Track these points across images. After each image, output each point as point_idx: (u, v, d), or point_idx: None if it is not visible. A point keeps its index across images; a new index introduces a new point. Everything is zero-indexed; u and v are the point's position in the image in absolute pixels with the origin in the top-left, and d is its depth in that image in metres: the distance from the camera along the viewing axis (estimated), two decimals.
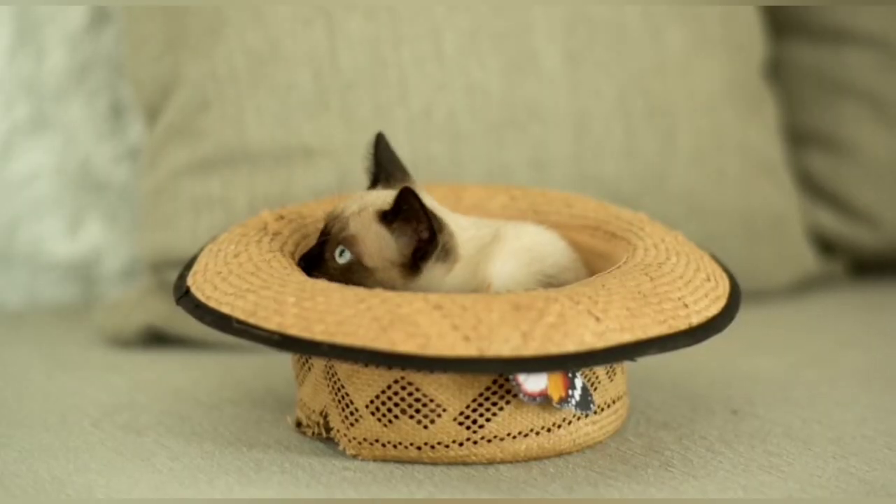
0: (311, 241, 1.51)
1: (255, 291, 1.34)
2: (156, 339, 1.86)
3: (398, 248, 1.39)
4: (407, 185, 1.39)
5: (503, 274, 1.40)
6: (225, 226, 1.77)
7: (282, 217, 1.50)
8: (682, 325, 1.33)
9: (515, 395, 1.33)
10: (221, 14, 1.83)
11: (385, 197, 1.41)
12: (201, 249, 1.47)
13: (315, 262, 1.41)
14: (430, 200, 1.43)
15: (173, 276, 1.63)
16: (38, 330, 1.94)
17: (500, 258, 1.41)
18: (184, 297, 1.40)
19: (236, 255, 1.42)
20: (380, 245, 1.39)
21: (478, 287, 1.40)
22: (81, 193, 2.05)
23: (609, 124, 1.92)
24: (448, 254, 1.40)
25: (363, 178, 1.83)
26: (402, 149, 1.83)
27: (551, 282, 1.41)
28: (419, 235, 1.39)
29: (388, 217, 1.39)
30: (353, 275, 1.39)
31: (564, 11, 1.90)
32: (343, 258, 1.39)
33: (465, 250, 1.41)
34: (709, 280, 1.40)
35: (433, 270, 1.40)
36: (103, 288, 2.09)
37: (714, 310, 1.37)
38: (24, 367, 1.76)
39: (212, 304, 1.36)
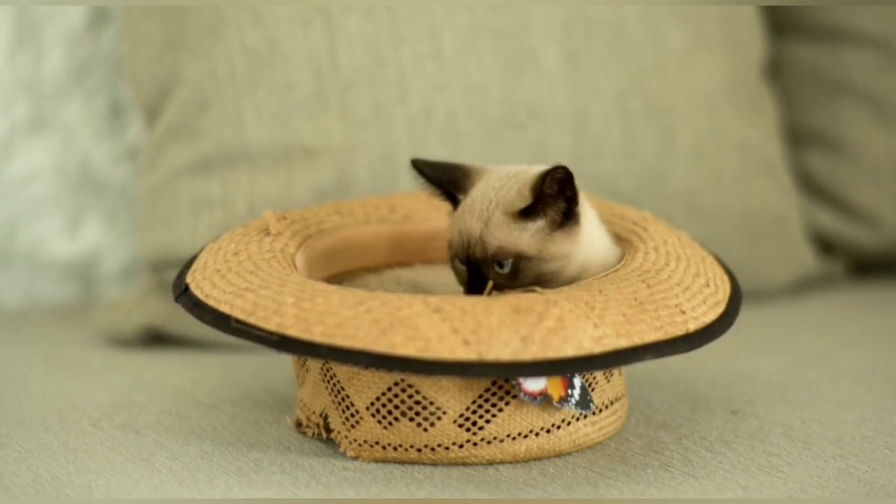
0: (312, 240, 1.51)
1: (255, 291, 1.34)
2: (155, 338, 1.86)
3: (546, 223, 1.38)
4: (548, 171, 1.36)
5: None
6: (224, 226, 1.78)
7: (284, 218, 1.50)
8: (678, 331, 1.33)
9: (515, 396, 1.33)
10: (220, 14, 1.83)
11: (492, 200, 1.39)
12: (202, 248, 1.47)
13: (480, 287, 1.39)
14: (514, 169, 1.43)
15: (173, 275, 1.63)
16: (38, 330, 1.94)
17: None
18: (182, 294, 1.40)
19: (236, 254, 1.41)
20: (530, 235, 1.38)
21: None
22: (81, 193, 2.05)
23: (608, 124, 1.91)
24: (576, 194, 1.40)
25: (362, 178, 1.84)
26: (402, 148, 1.84)
27: None
28: (562, 192, 1.38)
29: (527, 211, 1.38)
30: (524, 271, 1.38)
31: (563, 11, 1.90)
32: (507, 267, 1.38)
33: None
34: (708, 285, 1.40)
35: (584, 207, 1.41)
36: (103, 288, 2.09)
37: (712, 316, 1.37)
38: (23, 367, 1.75)
39: (210, 302, 1.35)
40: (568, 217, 1.39)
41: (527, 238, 1.38)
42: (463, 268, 1.41)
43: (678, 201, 1.95)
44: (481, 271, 1.39)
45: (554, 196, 1.38)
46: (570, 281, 1.40)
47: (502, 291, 1.39)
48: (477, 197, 1.41)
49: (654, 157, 1.93)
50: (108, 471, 1.34)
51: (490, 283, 1.39)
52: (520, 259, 1.38)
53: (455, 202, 1.44)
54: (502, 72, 1.88)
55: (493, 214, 1.39)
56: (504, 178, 1.42)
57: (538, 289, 1.35)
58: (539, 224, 1.38)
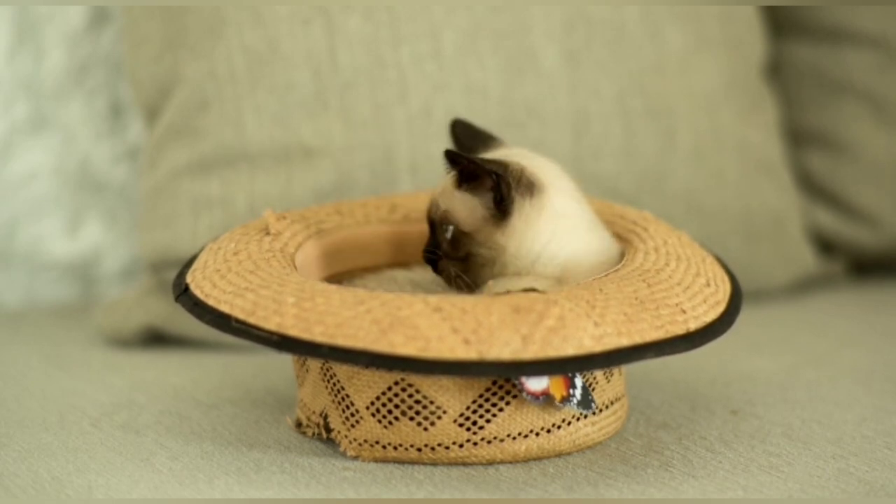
0: (312, 240, 1.51)
1: (255, 290, 1.34)
2: (155, 338, 1.86)
3: (482, 203, 1.41)
4: (446, 150, 1.40)
5: None
6: (224, 225, 1.78)
7: (284, 218, 1.50)
8: (679, 330, 1.33)
9: (516, 396, 1.33)
10: (220, 14, 1.83)
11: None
12: (202, 248, 1.47)
13: (433, 249, 1.44)
14: (505, 151, 1.46)
15: (173, 275, 1.63)
16: (38, 330, 1.94)
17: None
18: (182, 294, 1.40)
19: (235, 253, 1.41)
20: (466, 208, 1.42)
21: None
22: (81, 193, 2.05)
23: (608, 124, 1.91)
24: (532, 186, 1.42)
25: (362, 178, 1.84)
26: (402, 148, 1.84)
27: None
28: (490, 185, 1.41)
29: (459, 182, 1.42)
30: (462, 247, 1.42)
31: (563, 11, 1.90)
32: (448, 233, 1.42)
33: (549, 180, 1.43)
34: (708, 285, 1.40)
35: (525, 210, 1.41)
36: (103, 288, 2.09)
37: (712, 315, 1.37)
38: (23, 367, 1.75)
39: (210, 302, 1.36)
40: (498, 208, 1.41)
41: (464, 211, 1.42)
42: None
43: (678, 201, 1.95)
44: (434, 230, 1.44)
45: (470, 177, 1.40)
46: (494, 274, 1.42)
47: (444, 259, 1.43)
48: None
49: (654, 157, 1.94)
50: (108, 471, 1.34)
51: (440, 251, 1.43)
52: (457, 229, 1.42)
53: None
54: (502, 72, 1.88)
55: (448, 180, 1.43)
56: (504, 153, 1.45)
57: (538, 288, 1.35)
58: (474, 202, 1.41)
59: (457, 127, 1.50)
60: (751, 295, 1.78)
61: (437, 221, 1.44)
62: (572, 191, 1.45)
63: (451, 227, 1.42)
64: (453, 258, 1.43)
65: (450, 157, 1.40)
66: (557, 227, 1.43)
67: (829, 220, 2.12)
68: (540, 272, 1.42)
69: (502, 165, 1.41)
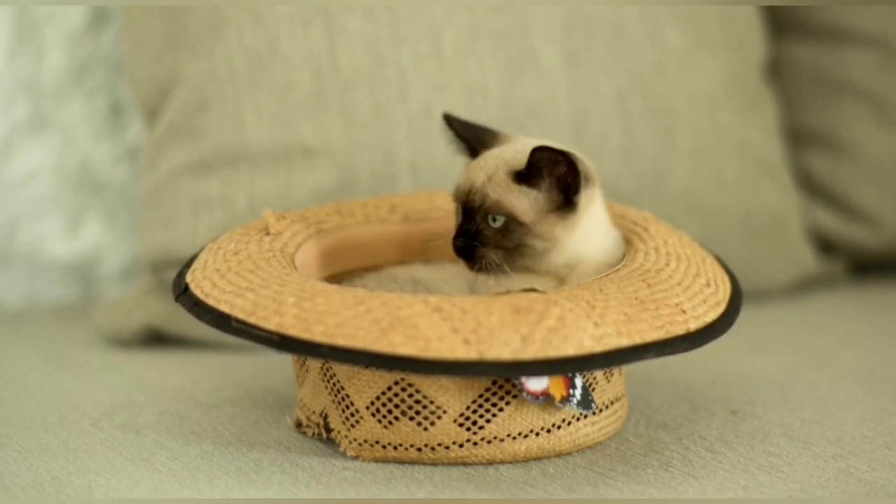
0: (312, 240, 1.51)
1: (255, 290, 1.34)
2: (155, 338, 1.86)
3: (547, 197, 1.41)
4: (535, 148, 1.40)
5: None
6: (224, 225, 1.78)
7: (284, 218, 1.50)
8: (679, 330, 1.33)
9: (516, 396, 1.33)
10: (220, 14, 1.83)
11: (501, 159, 1.43)
12: (202, 248, 1.47)
13: (470, 233, 1.42)
14: (524, 141, 1.47)
15: (173, 275, 1.63)
16: (38, 330, 1.94)
17: None
18: (182, 294, 1.40)
19: (235, 253, 1.41)
20: (527, 199, 1.41)
21: None
22: (81, 193, 2.05)
23: (608, 124, 1.91)
24: (588, 177, 1.43)
25: (362, 178, 1.84)
26: (402, 148, 1.84)
27: None
28: (559, 174, 1.40)
29: (523, 176, 1.41)
30: (512, 234, 1.41)
31: (563, 11, 1.90)
32: (497, 222, 1.42)
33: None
34: (708, 285, 1.40)
35: (582, 202, 1.42)
36: (103, 288, 2.09)
37: (713, 315, 1.37)
38: (23, 367, 1.75)
39: (210, 301, 1.35)
40: (567, 203, 1.41)
41: (523, 203, 1.41)
42: (459, 212, 1.44)
43: (678, 201, 1.95)
44: (474, 218, 1.42)
45: (543, 173, 1.40)
46: (555, 269, 1.42)
47: (485, 247, 1.41)
48: (492, 154, 1.45)
49: (654, 157, 1.93)
50: (108, 471, 1.34)
51: (479, 237, 1.42)
52: (511, 220, 1.41)
53: (474, 156, 1.48)
54: (502, 72, 1.88)
55: (497, 171, 1.42)
56: (523, 143, 1.45)
57: (539, 288, 1.35)
58: (535, 195, 1.41)
59: (449, 120, 1.49)
60: (751, 295, 1.78)
61: (478, 209, 1.43)
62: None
63: (502, 218, 1.42)
64: (500, 247, 1.42)
65: (540, 152, 1.38)
66: (599, 222, 1.46)
67: (829, 220, 2.12)
68: (567, 264, 1.43)
69: (575, 157, 1.41)
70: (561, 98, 1.90)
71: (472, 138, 1.48)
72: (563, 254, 1.43)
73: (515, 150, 1.44)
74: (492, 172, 1.42)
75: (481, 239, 1.42)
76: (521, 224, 1.41)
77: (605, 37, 1.92)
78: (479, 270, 1.43)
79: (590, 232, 1.44)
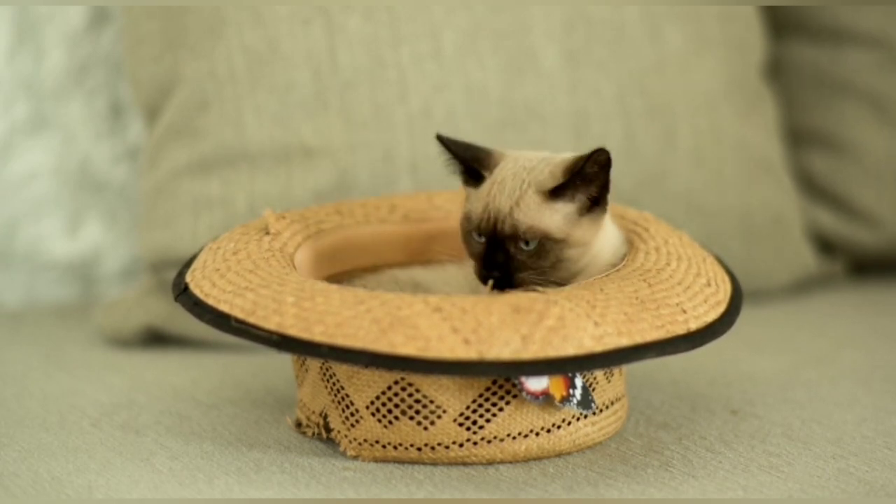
0: (312, 240, 1.51)
1: (254, 290, 1.34)
2: (155, 338, 1.86)
3: (576, 205, 1.40)
4: (593, 152, 1.38)
5: None
6: (224, 225, 1.78)
7: (284, 217, 1.50)
8: (680, 330, 1.33)
9: (516, 395, 1.33)
10: (220, 14, 1.83)
11: (524, 180, 1.40)
12: (202, 248, 1.47)
13: (500, 263, 1.40)
14: (528, 155, 1.45)
15: (173, 275, 1.63)
16: (38, 330, 1.94)
17: None
18: (182, 294, 1.40)
19: (235, 253, 1.41)
20: (559, 215, 1.40)
21: None
22: (81, 193, 2.05)
23: (608, 124, 1.91)
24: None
25: (362, 178, 1.84)
26: (402, 148, 1.84)
27: None
28: (598, 180, 1.40)
29: (558, 190, 1.39)
30: (549, 253, 1.39)
31: (563, 11, 1.90)
32: (531, 245, 1.39)
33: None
34: (709, 285, 1.40)
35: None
36: (103, 288, 2.09)
37: (713, 315, 1.37)
38: (23, 367, 1.75)
39: (210, 301, 1.35)
40: (597, 203, 1.41)
41: (557, 220, 1.40)
42: (480, 241, 1.41)
43: (678, 201, 1.95)
44: (503, 246, 1.40)
45: (591, 179, 1.39)
46: (579, 270, 1.42)
47: (522, 272, 1.39)
48: (507, 176, 1.42)
49: (654, 157, 1.93)
50: (108, 471, 1.34)
51: (513, 263, 1.40)
52: (546, 240, 1.39)
53: (473, 176, 1.44)
54: (502, 72, 1.88)
55: (524, 193, 1.40)
56: (534, 160, 1.43)
57: (539, 288, 1.35)
58: (569, 208, 1.40)
59: (445, 143, 1.44)
60: (751, 295, 1.78)
61: (508, 238, 1.40)
62: None
63: (535, 241, 1.39)
64: (536, 268, 1.40)
65: (601, 154, 1.37)
66: (611, 224, 1.45)
67: (829, 221, 2.11)
68: (588, 263, 1.42)
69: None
70: (561, 98, 1.90)
71: (470, 158, 1.44)
72: (589, 254, 1.42)
73: (534, 168, 1.41)
74: (518, 196, 1.40)
75: (515, 265, 1.40)
76: (556, 241, 1.40)
77: (605, 37, 1.92)
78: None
79: (606, 228, 1.44)
